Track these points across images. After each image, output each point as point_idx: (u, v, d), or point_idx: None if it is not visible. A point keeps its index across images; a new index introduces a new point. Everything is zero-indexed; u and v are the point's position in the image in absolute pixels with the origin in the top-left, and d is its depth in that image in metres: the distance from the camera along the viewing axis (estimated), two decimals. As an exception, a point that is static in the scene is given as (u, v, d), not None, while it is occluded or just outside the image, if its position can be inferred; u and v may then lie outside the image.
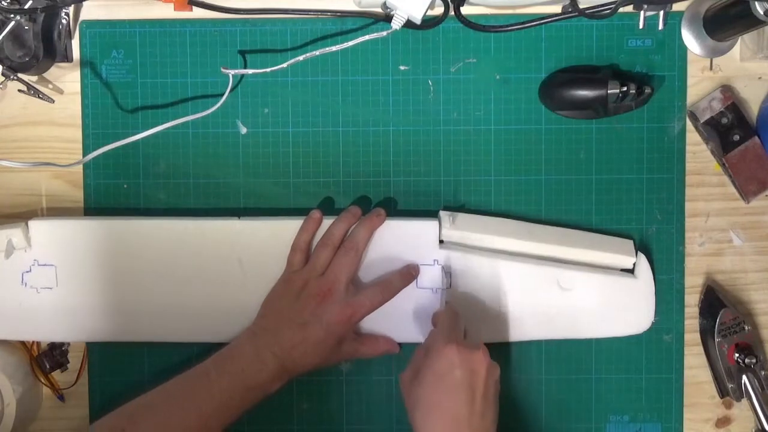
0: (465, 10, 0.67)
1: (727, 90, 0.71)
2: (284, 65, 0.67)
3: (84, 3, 0.70)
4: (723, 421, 0.73)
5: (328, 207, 0.72)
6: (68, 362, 0.73)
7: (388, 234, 0.69)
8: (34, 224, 0.69)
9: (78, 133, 0.73)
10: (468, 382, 0.60)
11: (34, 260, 0.69)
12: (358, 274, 0.69)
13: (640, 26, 0.65)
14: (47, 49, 0.69)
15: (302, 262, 0.68)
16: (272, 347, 0.65)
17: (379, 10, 0.69)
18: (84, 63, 0.72)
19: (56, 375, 0.73)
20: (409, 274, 0.69)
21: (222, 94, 0.69)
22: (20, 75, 0.69)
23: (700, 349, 0.73)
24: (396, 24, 0.65)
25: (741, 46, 0.72)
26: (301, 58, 0.67)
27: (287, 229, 0.69)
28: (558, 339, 0.71)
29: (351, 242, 0.67)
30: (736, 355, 0.71)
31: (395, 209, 0.72)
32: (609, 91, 0.68)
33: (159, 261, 0.69)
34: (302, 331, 0.65)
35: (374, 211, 0.69)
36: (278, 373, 0.65)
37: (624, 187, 0.72)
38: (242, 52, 0.72)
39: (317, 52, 0.67)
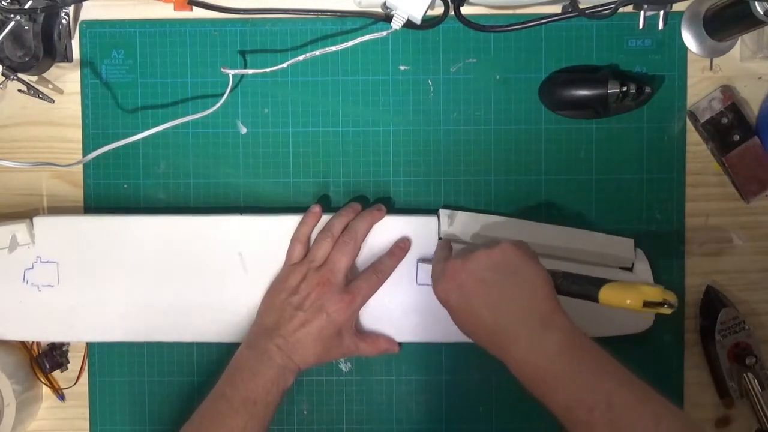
0: (465, 10, 0.67)
1: (727, 90, 0.71)
2: (284, 65, 0.67)
3: (84, 3, 0.70)
4: (723, 421, 0.73)
5: (328, 206, 0.72)
6: (68, 362, 0.73)
7: (387, 230, 0.69)
8: (38, 221, 0.69)
9: (78, 133, 0.73)
10: (463, 297, 0.60)
11: (37, 257, 0.69)
12: (358, 268, 0.69)
13: (640, 26, 0.65)
14: (47, 49, 0.69)
15: (301, 254, 0.68)
16: (275, 340, 0.65)
17: (379, 10, 0.69)
18: (84, 63, 0.72)
19: (56, 375, 0.73)
20: (398, 250, 0.69)
21: (222, 94, 0.69)
22: (20, 75, 0.69)
23: (700, 349, 0.73)
24: (396, 24, 0.65)
25: (741, 46, 0.72)
26: (301, 58, 0.67)
27: (288, 224, 0.69)
28: (558, 339, 0.71)
29: (350, 234, 0.68)
30: (736, 355, 0.71)
31: (395, 209, 0.72)
32: (609, 91, 0.68)
33: (161, 258, 0.69)
34: (303, 320, 0.65)
35: (375, 206, 0.70)
36: (287, 365, 0.65)
37: (624, 187, 0.72)
38: (242, 52, 0.72)
39: (317, 52, 0.67)
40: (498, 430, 0.73)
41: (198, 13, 0.70)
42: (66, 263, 0.69)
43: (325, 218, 0.69)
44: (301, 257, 0.68)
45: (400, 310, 0.70)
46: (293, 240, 0.69)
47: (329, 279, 0.66)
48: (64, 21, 0.71)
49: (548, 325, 0.57)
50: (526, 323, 0.57)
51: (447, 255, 0.65)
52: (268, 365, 0.64)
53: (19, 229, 0.69)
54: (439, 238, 0.70)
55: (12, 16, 0.67)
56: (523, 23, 0.66)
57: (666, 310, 0.58)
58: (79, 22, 0.72)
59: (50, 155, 0.73)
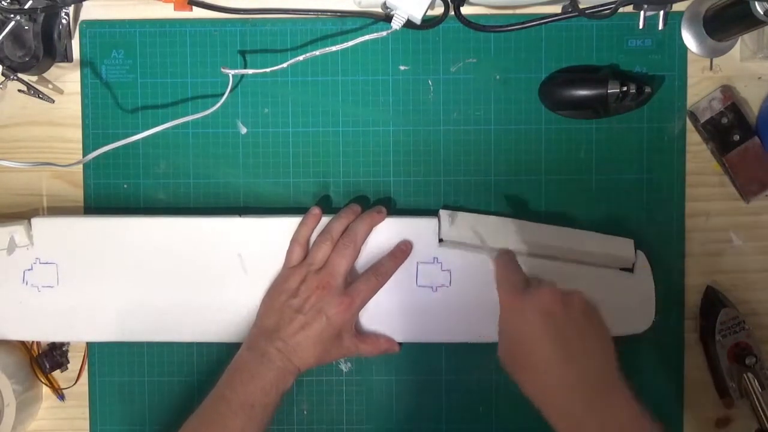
0: (465, 10, 0.67)
1: (727, 90, 0.71)
2: (284, 65, 0.67)
3: (84, 3, 0.70)
4: (723, 421, 0.73)
5: (328, 206, 0.72)
6: (68, 362, 0.73)
7: (387, 231, 0.69)
8: (36, 222, 0.69)
9: (78, 133, 0.73)
10: (547, 328, 0.58)
11: (36, 258, 0.69)
12: (357, 271, 0.69)
13: (640, 26, 0.65)
14: (47, 49, 0.69)
15: (301, 257, 0.68)
16: (275, 343, 0.65)
17: (379, 10, 0.69)
18: (84, 63, 0.72)
19: (56, 375, 0.73)
20: (399, 253, 0.69)
21: (222, 94, 0.69)
22: (20, 75, 0.69)
23: (700, 349, 0.73)
24: (396, 24, 0.65)
25: (741, 46, 0.72)
26: (301, 58, 0.67)
27: (288, 226, 0.69)
28: (558, 339, 0.71)
29: (349, 236, 0.68)
30: (736, 355, 0.71)
31: (395, 209, 0.72)
32: (609, 91, 0.68)
33: (161, 259, 0.69)
34: (303, 323, 0.65)
35: (375, 208, 0.70)
36: (286, 367, 0.65)
37: (624, 187, 0.72)
38: (242, 52, 0.72)
39: (317, 52, 0.67)
40: (498, 430, 0.73)
41: (198, 13, 0.70)
42: (65, 264, 0.69)
43: (325, 219, 0.69)
44: (301, 259, 0.68)
45: (401, 311, 0.70)
46: (292, 242, 0.69)
47: (328, 282, 0.66)
48: (64, 21, 0.71)
49: (613, 394, 0.56)
50: (593, 385, 0.56)
51: (520, 273, 0.64)
52: (267, 368, 0.64)
53: (18, 230, 0.69)
54: (440, 239, 0.70)
55: (12, 16, 0.67)
56: (523, 23, 0.66)
57: None
58: (79, 22, 0.72)
59: (50, 155, 0.73)
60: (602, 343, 0.58)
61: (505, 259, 0.65)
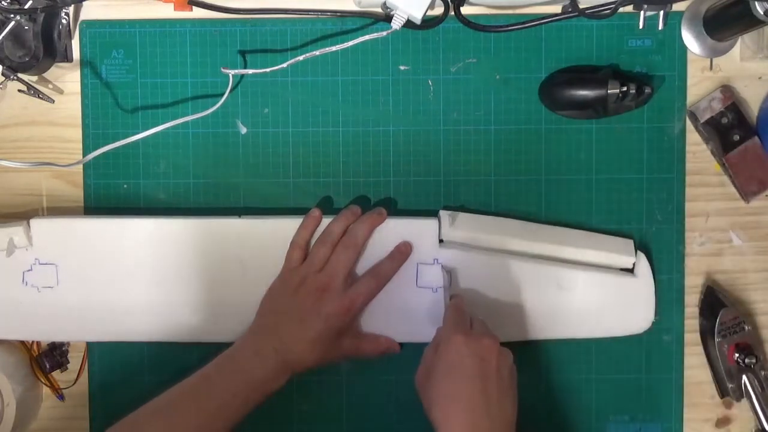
0: (465, 10, 0.67)
1: (727, 90, 0.71)
2: (284, 65, 0.67)
3: (84, 3, 0.70)
4: (723, 421, 0.73)
5: (328, 207, 0.72)
6: (68, 362, 0.73)
7: (388, 232, 0.69)
8: (35, 223, 0.69)
9: (78, 133, 0.73)
10: (480, 371, 0.60)
11: (35, 259, 0.69)
12: (357, 272, 0.69)
13: (640, 26, 0.65)
14: (47, 49, 0.69)
15: (300, 258, 0.68)
16: (273, 342, 0.65)
17: (379, 10, 0.69)
18: (84, 63, 0.72)
19: (56, 375, 0.73)
20: (399, 254, 0.69)
21: (222, 94, 0.69)
22: (20, 75, 0.69)
23: (700, 349, 0.73)
24: (396, 24, 0.65)
25: (741, 46, 0.72)
26: (301, 58, 0.67)
27: (288, 227, 0.69)
28: (558, 339, 0.71)
29: (350, 238, 0.68)
30: (736, 355, 0.71)
31: (395, 209, 0.72)
32: (609, 91, 0.68)
33: (160, 259, 0.70)
34: (301, 325, 0.65)
35: (376, 210, 0.69)
36: (280, 368, 0.65)
37: (624, 187, 0.72)
38: (242, 52, 0.72)
39: (317, 52, 0.67)
40: (498, 430, 0.73)
41: (198, 13, 0.69)
42: (65, 265, 0.69)
43: (326, 220, 0.69)
44: (300, 261, 0.68)
45: (401, 312, 0.70)
46: (292, 244, 0.69)
47: (328, 283, 0.66)
48: (64, 21, 0.71)
49: None
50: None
51: (468, 315, 0.66)
52: (260, 365, 0.64)
53: (17, 231, 0.69)
54: (440, 240, 0.70)
55: (12, 16, 0.67)
56: (523, 23, 0.66)
57: None
58: (79, 22, 0.72)
59: (50, 155, 0.73)
60: (513, 404, 0.62)
61: (458, 301, 0.67)
